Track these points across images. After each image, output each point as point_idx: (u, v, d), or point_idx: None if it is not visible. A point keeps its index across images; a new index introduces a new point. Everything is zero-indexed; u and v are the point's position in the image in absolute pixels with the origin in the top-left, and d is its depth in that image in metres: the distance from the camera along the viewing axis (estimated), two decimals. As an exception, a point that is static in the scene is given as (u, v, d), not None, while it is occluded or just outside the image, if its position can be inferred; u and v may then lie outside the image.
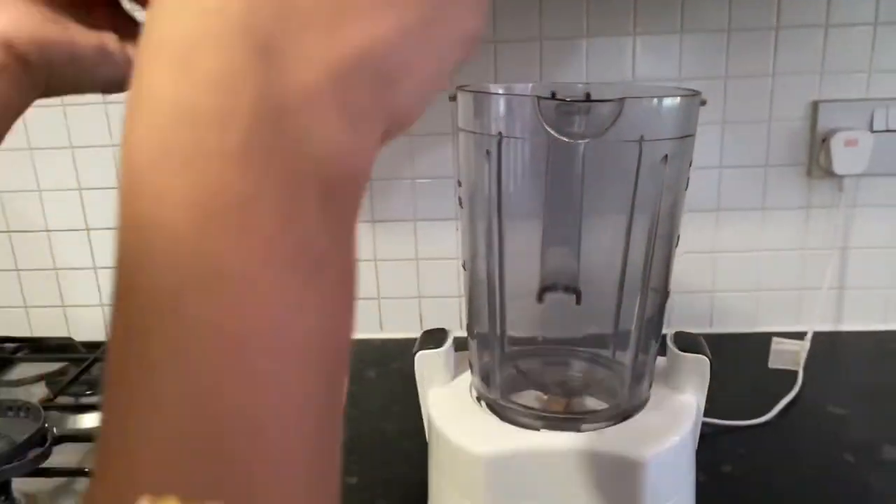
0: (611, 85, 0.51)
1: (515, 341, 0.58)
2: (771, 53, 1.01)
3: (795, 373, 0.97)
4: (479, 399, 0.57)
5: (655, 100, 0.48)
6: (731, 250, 1.08)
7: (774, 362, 1.00)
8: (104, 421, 0.19)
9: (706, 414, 0.87)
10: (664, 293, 0.55)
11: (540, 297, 0.56)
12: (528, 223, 0.55)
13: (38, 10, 0.32)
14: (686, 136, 0.51)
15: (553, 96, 0.46)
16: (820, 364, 0.99)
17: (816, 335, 1.01)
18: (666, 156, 0.48)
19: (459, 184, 0.54)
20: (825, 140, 1.01)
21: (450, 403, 0.56)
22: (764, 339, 1.02)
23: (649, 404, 0.55)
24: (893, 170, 1.03)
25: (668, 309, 0.58)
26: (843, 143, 1.00)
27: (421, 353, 0.57)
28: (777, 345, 1.01)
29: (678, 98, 0.48)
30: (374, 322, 1.15)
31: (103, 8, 0.35)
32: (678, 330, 0.59)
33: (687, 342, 0.57)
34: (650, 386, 0.58)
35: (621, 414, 0.54)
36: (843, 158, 1.00)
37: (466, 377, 0.60)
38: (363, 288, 1.00)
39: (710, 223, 1.07)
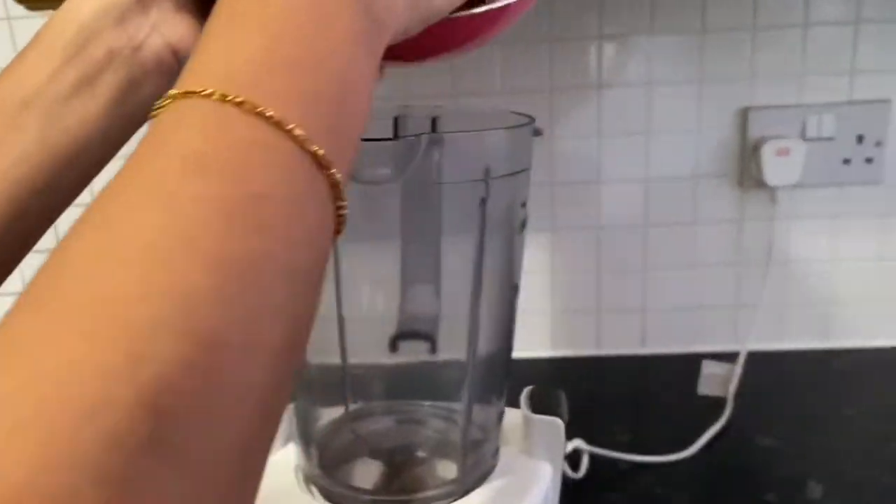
0: (434, 108, 0.44)
1: (360, 396, 0.51)
2: (697, 58, 0.94)
3: (725, 400, 0.91)
4: (298, 474, 0.50)
5: (467, 134, 0.41)
6: (660, 267, 1.02)
7: (703, 388, 0.94)
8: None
9: (625, 450, 0.82)
10: (506, 347, 0.48)
11: (393, 346, 0.49)
12: (379, 259, 0.48)
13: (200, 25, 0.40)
14: (515, 173, 0.44)
15: None
16: (752, 388, 0.93)
17: (751, 355, 0.95)
18: (483, 199, 0.41)
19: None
20: (756, 149, 0.95)
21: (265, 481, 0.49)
22: (697, 361, 0.96)
23: (496, 472, 0.49)
24: (828, 180, 0.97)
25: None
26: (774, 153, 0.94)
27: None
28: (707, 368, 0.95)
29: (500, 131, 0.42)
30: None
31: None
32: (536, 385, 0.52)
33: (542, 400, 0.50)
34: (496, 451, 0.51)
35: (463, 488, 0.47)
36: (775, 168, 0.94)
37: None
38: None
39: (638, 239, 1.01)
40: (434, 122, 0.42)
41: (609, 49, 0.94)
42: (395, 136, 0.40)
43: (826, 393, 0.94)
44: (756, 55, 0.94)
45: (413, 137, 0.38)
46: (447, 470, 0.45)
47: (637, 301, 1.03)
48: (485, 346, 0.45)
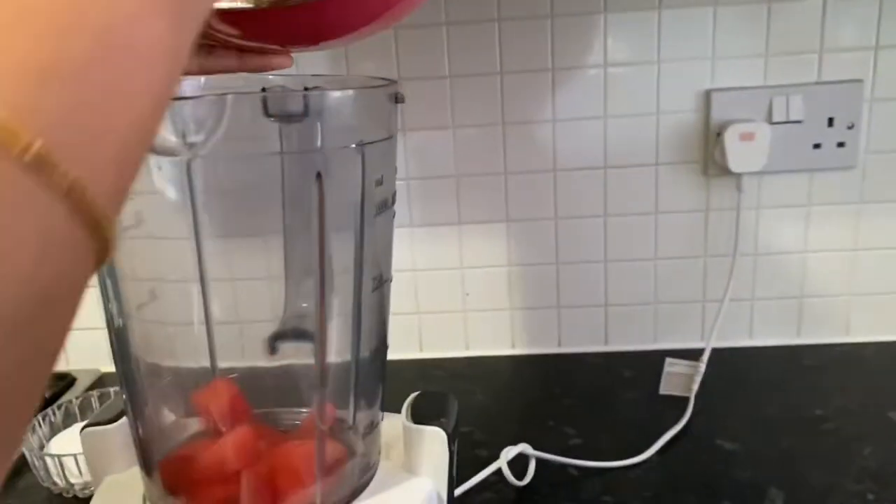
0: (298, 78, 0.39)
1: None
2: (654, 37, 0.89)
3: (687, 400, 0.86)
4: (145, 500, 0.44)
5: (307, 97, 0.35)
6: (623, 259, 0.96)
7: (666, 387, 0.89)
8: None
9: (577, 454, 0.77)
10: (379, 347, 0.43)
11: (272, 348, 0.44)
12: (252, 249, 0.43)
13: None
14: (363, 145, 0.39)
15: None
16: (716, 387, 0.88)
17: (717, 353, 0.90)
18: (318, 173, 0.36)
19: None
20: (720, 134, 0.90)
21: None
22: (661, 358, 0.91)
23: (368, 491, 0.43)
24: (797, 166, 0.91)
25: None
26: (738, 137, 0.88)
27: (88, 430, 0.45)
28: (670, 367, 0.90)
29: (344, 93, 0.36)
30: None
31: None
32: (422, 391, 0.46)
33: (427, 407, 0.45)
34: (369, 466, 0.45)
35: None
36: (740, 154, 0.89)
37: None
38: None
39: (598, 230, 0.95)
40: (305, 96, 0.37)
41: (562, 29, 0.89)
42: (265, 111, 0.34)
43: (795, 392, 0.88)
44: (718, 33, 0.88)
45: (218, 96, 0.33)
46: (307, 490, 0.40)
47: (598, 295, 0.98)
48: (343, 345, 0.40)
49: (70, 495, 0.75)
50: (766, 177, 0.92)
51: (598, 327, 0.99)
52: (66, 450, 0.76)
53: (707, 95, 0.90)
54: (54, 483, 0.75)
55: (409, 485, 0.42)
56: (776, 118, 0.89)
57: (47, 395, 0.93)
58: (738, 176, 0.90)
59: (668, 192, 0.93)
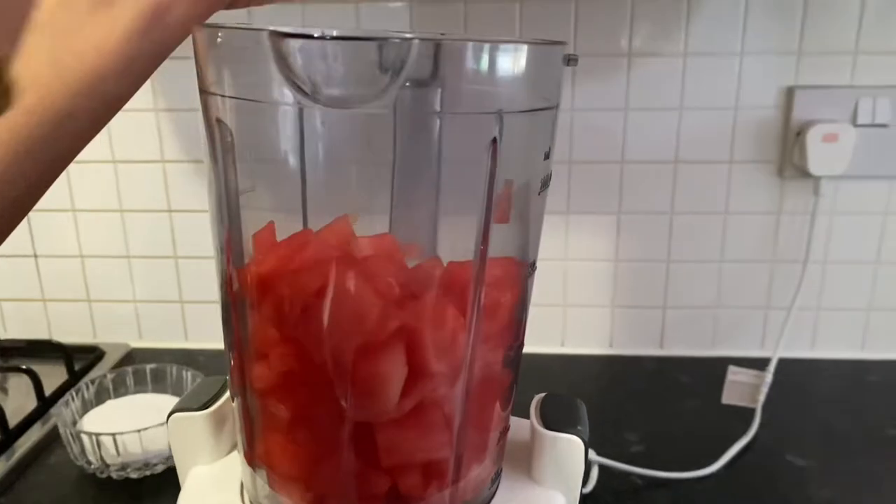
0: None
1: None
2: (739, 27, 0.84)
3: (753, 411, 0.81)
4: (244, 494, 0.40)
5: (478, 47, 0.31)
6: (686, 259, 0.92)
7: (729, 397, 0.84)
8: None
9: (639, 462, 0.73)
10: (515, 342, 0.38)
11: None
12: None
13: None
14: (537, 111, 0.34)
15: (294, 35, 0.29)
16: (783, 400, 0.83)
17: (782, 363, 0.85)
18: (494, 139, 0.32)
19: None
20: (800, 134, 0.85)
21: (209, 498, 0.39)
22: (721, 366, 0.86)
23: (496, 501, 0.39)
24: (879, 171, 0.87)
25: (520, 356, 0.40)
26: (820, 138, 0.84)
27: (177, 415, 0.41)
28: (733, 375, 0.85)
29: (519, 48, 0.31)
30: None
31: None
32: (549, 393, 0.42)
33: (558, 412, 0.40)
34: (498, 474, 0.41)
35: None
36: (821, 156, 0.84)
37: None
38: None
39: (664, 227, 0.91)
40: (437, 51, 0.32)
41: (642, 11, 0.84)
42: (380, 65, 0.30)
43: (861, 409, 0.84)
44: (806, 27, 0.83)
45: (400, 41, 0.28)
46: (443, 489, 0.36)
47: (657, 297, 0.94)
48: (486, 339, 0.35)
49: (104, 476, 0.71)
50: (844, 181, 0.87)
51: (654, 330, 0.95)
52: (99, 427, 0.72)
53: (789, 92, 0.85)
54: (88, 462, 0.70)
55: (539, 498, 0.38)
56: (861, 120, 0.84)
57: (77, 367, 0.88)
58: (817, 179, 0.86)
59: (741, 193, 0.89)
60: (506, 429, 0.40)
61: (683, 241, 0.91)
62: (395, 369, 0.31)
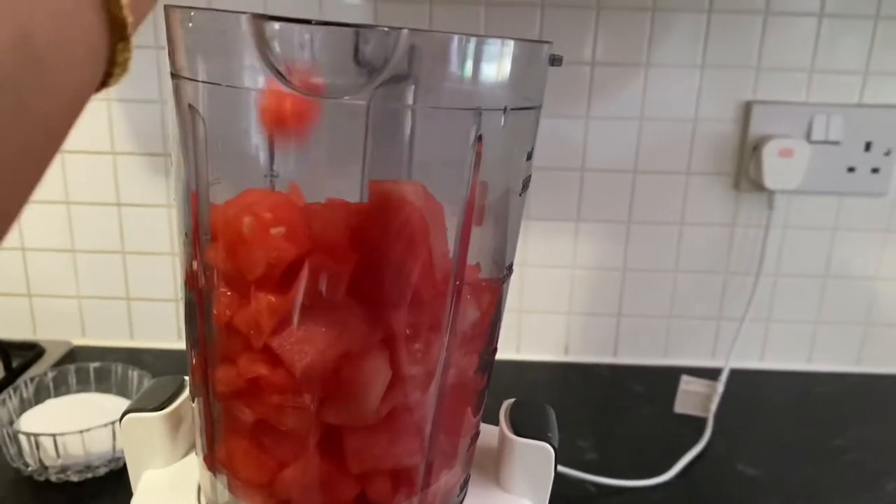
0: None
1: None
2: (701, 40, 0.85)
3: (704, 420, 0.82)
4: (201, 499, 0.38)
5: (463, 42, 0.30)
6: (641, 269, 0.92)
7: (681, 406, 0.85)
8: None
9: (592, 470, 0.73)
10: (490, 345, 0.37)
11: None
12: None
13: None
14: (519, 110, 0.34)
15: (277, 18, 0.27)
16: (734, 410, 0.84)
17: (734, 373, 0.86)
18: (480, 136, 0.31)
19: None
20: (756, 148, 0.87)
21: (165, 503, 0.37)
22: (673, 375, 0.87)
23: None
24: (831, 187, 0.89)
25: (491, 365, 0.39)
26: (777, 153, 0.85)
27: (131, 416, 0.39)
28: (686, 385, 0.86)
29: (505, 44, 0.31)
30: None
31: None
32: (517, 399, 0.41)
33: (527, 418, 0.39)
34: (466, 481, 0.40)
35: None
36: (777, 171, 0.86)
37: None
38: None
39: (620, 235, 0.91)
40: (412, 50, 0.31)
41: (607, 22, 0.84)
42: (356, 56, 0.28)
43: (809, 420, 0.85)
44: (765, 43, 0.85)
45: (387, 30, 0.27)
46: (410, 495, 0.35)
47: (612, 305, 0.94)
48: (461, 343, 0.34)
49: (42, 478, 0.67)
50: (797, 196, 0.89)
51: (608, 338, 0.95)
52: (39, 427, 0.68)
53: (747, 107, 0.87)
54: (25, 464, 0.67)
55: (509, 504, 0.37)
56: (815, 137, 0.86)
57: (15, 364, 0.84)
58: (772, 193, 0.87)
59: (697, 204, 0.90)
60: (476, 434, 0.39)
61: (639, 250, 0.92)
62: (379, 372, 0.30)
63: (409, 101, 0.31)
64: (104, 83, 0.25)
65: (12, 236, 0.91)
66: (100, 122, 0.86)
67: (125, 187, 0.89)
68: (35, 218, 0.91)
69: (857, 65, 0.86)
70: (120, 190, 0.89)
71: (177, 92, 0.32)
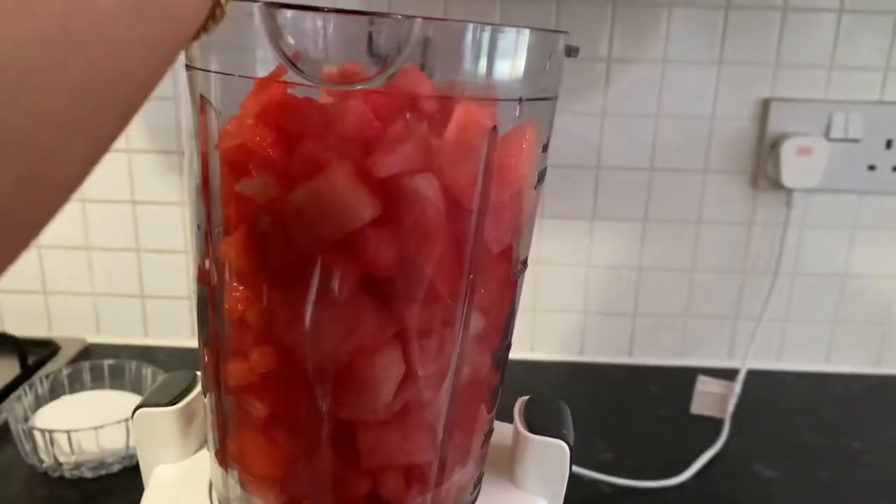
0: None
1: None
2: (718, 37, 0.84)
3: (721, 421, 0.81)
4: (212, 495, 0.38)
5: (478, 31, 0.29)
6: (657, 268, 0.92)
7: (698, 407, 0.84)
8: None
9: (607, 471, 0.72)
10: (503, 343, 0.37)
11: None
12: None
13: None
14: (536, 100, 0.34)
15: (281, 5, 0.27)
16: (751, 410, 0.83)
17: (751, 374, 0.85)
18: (494, 126, 0.30)
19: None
20: (774, 146, 0.86)
21: (176, 498, 0.37)
22: (689, 375, 0.86)
23: None
24: (850, 186, 0.88)
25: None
26: (795, 151, 0.84)
27: (143, 411, 0.39)
28: (702, 385, 0.85)
29: (521, 32, 0.30)
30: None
31: None
32: (531, 396, 0.40)
33: (542, 415, 0.39)
34: (479, 479, 0.39)
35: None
36: (795, 169, 0.85)
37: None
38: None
39: (635, 234, 0.90)
40: (427, 40, 0.31)
41: (623, 17, 0.83)
42: (370, 45, 0.28)
43: (827, 421, 0.84)
44: (784, 40, 0.84)
45: (400, 17, 0.27)
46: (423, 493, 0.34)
47: (628, 304, 0.93)
48: (475, 339, 0.34)
49: (56, 475, 0.68)
50: (816, 195, 0.88)
51: (623, 338, 0.95)
52: (53, 423, 0.69)
53: (765, 104, 0.86)
54: (40, 460, 0.67)
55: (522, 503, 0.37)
56: (834, 135, 0.85)
57: (30, 361, 0.85)
58: (790, 191, 0.86)
59: (714, 202, 0.89)
60: (490, 431, 0.39)
61: (655, 249, 0.91)
62: (391, 367, 0.30)
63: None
64: (204, 27, 0.24)
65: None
66: (115, 119, 0.86)
67: (140, 185, 0.89)
68: (51, 215, 0.91)
69: (877, 61, 0.84)
70: (135, 187, 0.89)
71: (190, 83, 0.32)
